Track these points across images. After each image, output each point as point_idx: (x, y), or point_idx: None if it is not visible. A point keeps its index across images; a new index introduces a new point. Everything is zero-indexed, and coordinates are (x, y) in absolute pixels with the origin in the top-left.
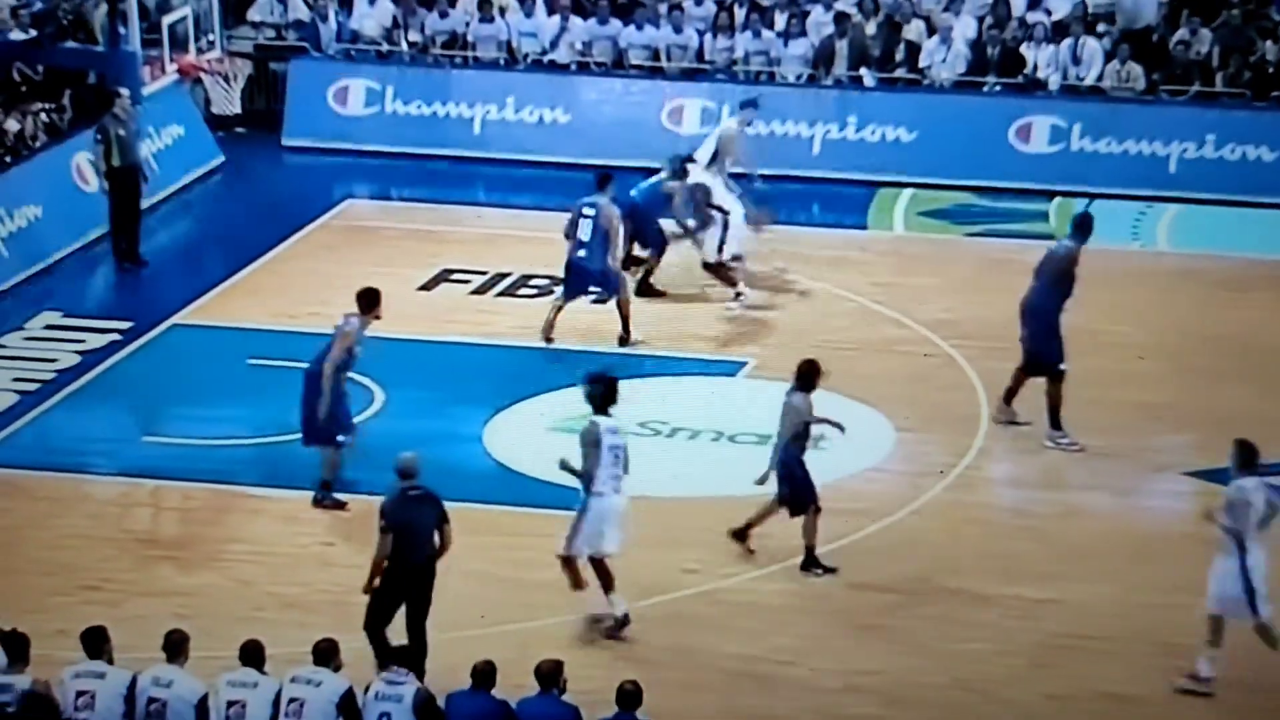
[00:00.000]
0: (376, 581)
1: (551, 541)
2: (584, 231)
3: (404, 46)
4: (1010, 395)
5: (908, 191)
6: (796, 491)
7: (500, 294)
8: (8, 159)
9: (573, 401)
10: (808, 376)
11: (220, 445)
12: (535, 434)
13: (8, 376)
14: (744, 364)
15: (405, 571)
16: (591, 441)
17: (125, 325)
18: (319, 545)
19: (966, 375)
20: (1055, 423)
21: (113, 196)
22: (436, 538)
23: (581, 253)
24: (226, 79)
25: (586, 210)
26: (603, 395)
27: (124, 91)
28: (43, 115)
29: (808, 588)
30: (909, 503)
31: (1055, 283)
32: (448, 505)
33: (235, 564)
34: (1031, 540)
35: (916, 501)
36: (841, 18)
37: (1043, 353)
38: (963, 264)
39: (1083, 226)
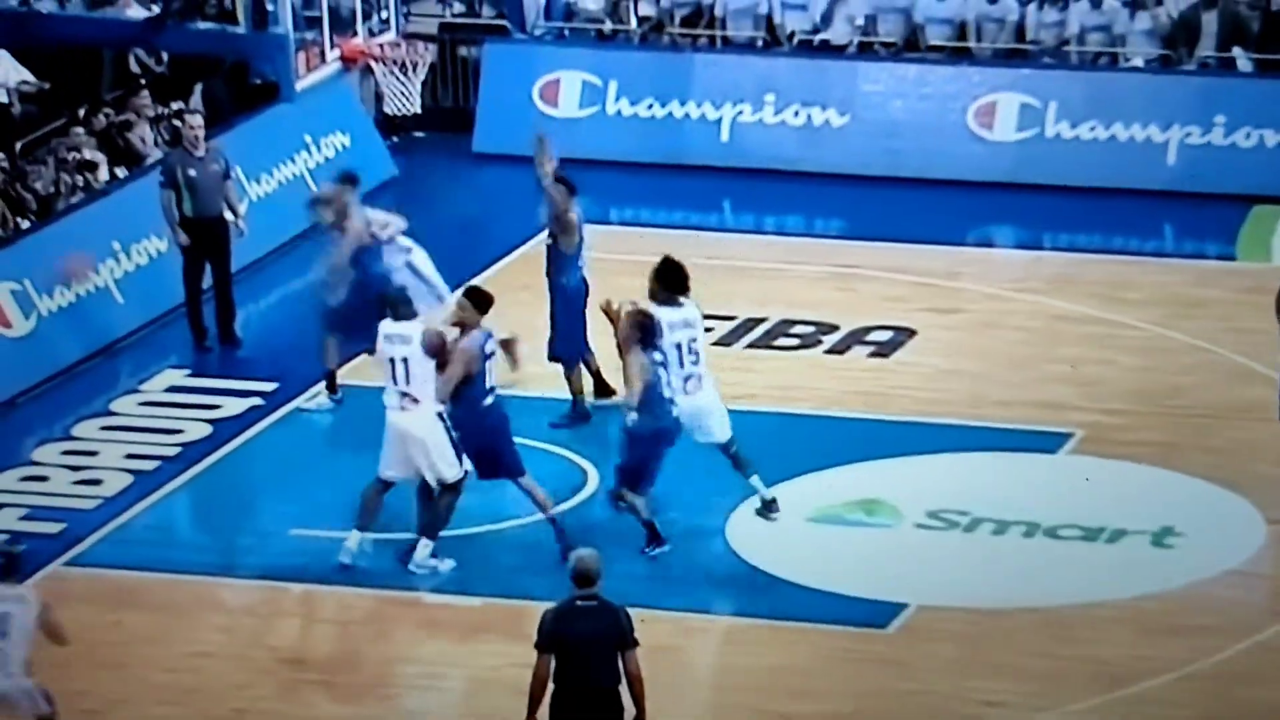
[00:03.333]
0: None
1: (819, 662)
2: None
3: (633, 25)
4: None
5: None
6: None
7: (751, 345)
8: (120, 173)
9: (843, 485)
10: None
11: (388, 539)
12: (792, 527)
13: (119, 452)
14: (1068, 436)
15: (574, 700)
16: None
17: (269, 387)
18: (510, 667)
19: None
20: None
21: (187, 258)
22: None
23: None
24: (404, 69)
25: None
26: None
27: (195, 119)
28: (166, 117)
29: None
30: None
31: None
32: (680, 616)
33: (405, 691)
34: None
35: None
36: None
37: None
38: None
39: None
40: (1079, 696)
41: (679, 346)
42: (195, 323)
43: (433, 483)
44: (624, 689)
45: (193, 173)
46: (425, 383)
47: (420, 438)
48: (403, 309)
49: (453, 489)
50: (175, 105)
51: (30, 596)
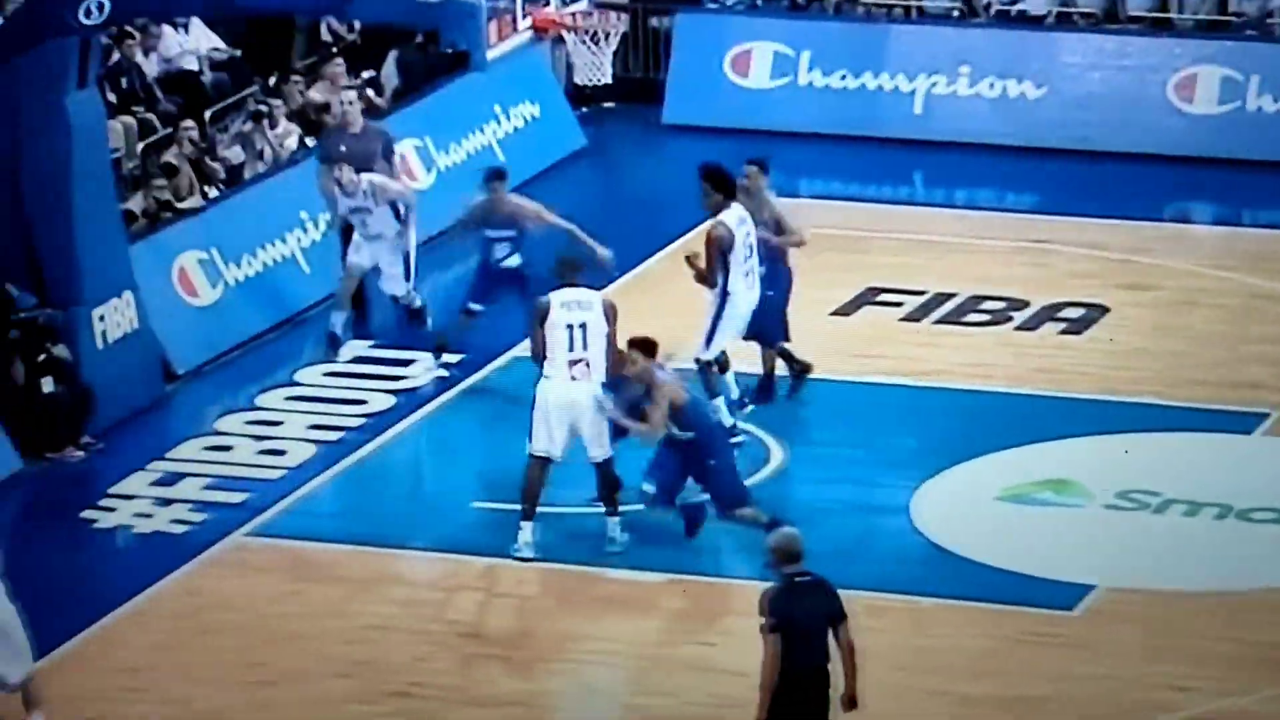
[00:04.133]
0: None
1: (1002, 644)
2: None
3: None
4: None
5: None
6: None
7: (940, 321)
8: (308, 143)
9: (1032, 463)
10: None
11: (570, 513)
12: (979, 505)
13: (303, 423)
14: (1264, 417)
15: (797, 680)
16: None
17: (455, 358)
18: (694, 645)
19: None
20: None
21: (342, 234)
22: (831, 640)
23: None
24: (594, 38)
25: None
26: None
27: (350, 95)
28: (361, 88)
29: None
30: None
31: None
32: (863, 596)
33: (583, 666)
34: None
35: None
36: None
37: None
38: None
39: None
40: (1270, 684)
41: (570, 327)
42: (357, 301)
43: (593, 455)
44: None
45: (344, 149)
46: (600, 351)
47: (586, 408)
48: (573, 274)
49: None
50: (366, 74)
51: None
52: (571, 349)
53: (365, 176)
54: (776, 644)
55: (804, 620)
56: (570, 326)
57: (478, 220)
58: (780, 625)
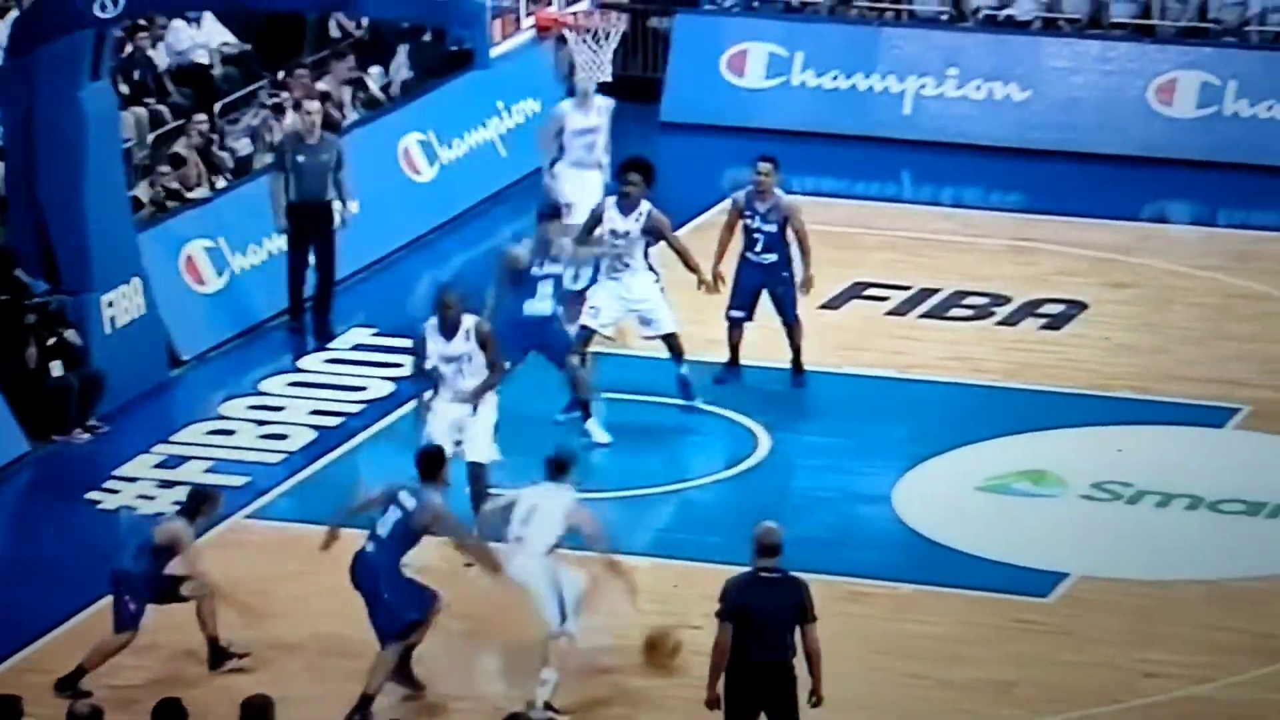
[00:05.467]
0: (719, 688)
1: (979, 630)
2: None
3: None
4: None
5: None
6: None
7: (925, 315)
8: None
9: (1011, 455)
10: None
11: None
12: (959, 495)
13: (304, 409)
14: (1235, 411)
15: (749, 672)
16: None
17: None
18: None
19: None
20: None
21: (290, 241)
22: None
23: None
24: (595, 37)
25: None
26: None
27: (314, 105)
28: (365, 82)
29: None
30: None
31: None
32: (842, 581)
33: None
34: None
35: None
36: None
37: None
38: None
39: None
40: (1239, 669)
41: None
42: (296, 300)
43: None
44: (797, 662)
45: (301, 158)
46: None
47: None
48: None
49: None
50: (374, 69)
51: None
52: None
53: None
54: (726, 632)
55: (760, 614)
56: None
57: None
58: (731, 614)
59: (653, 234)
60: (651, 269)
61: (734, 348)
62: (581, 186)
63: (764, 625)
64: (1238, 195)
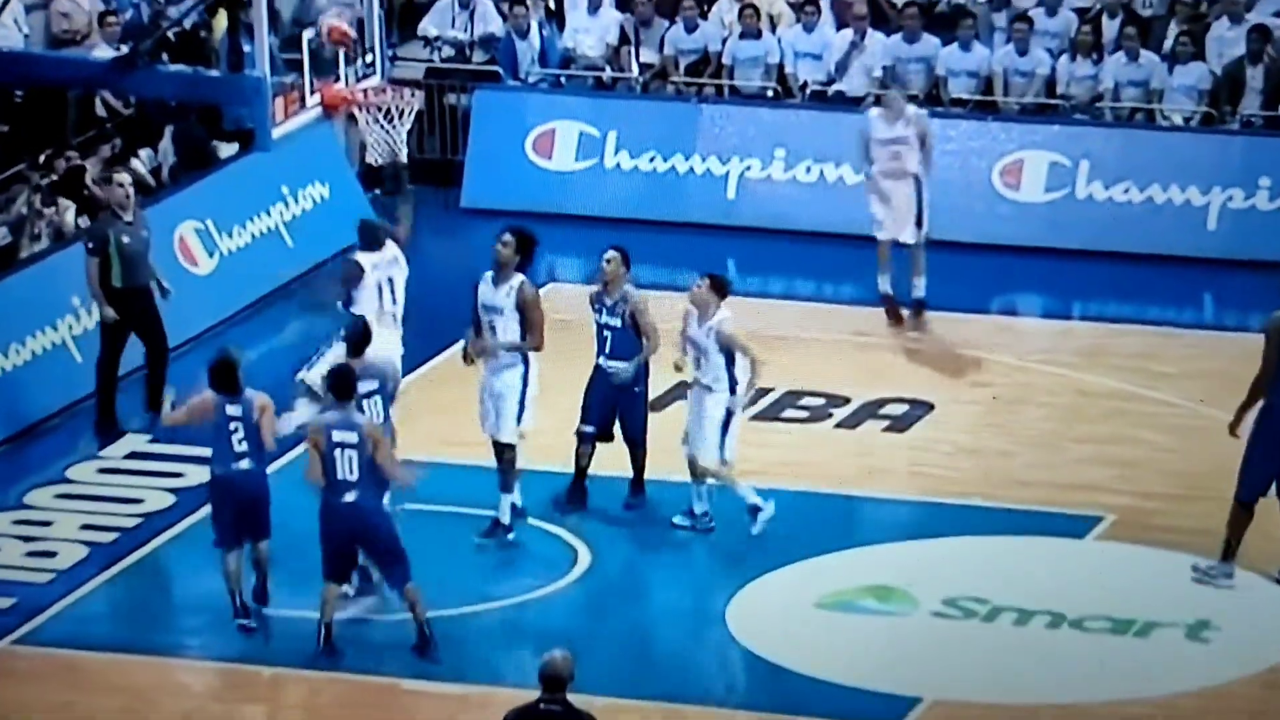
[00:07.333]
0: None
1: None
2: None
3: (634, 72)
4: None
5: None
6: None
7: (756, 418)
8: (81, 224)
9: (854, 569)
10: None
11: (360, 619)
12: (798, 613)
13: (74, 523)
14: (1098, 520)
15: None
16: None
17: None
18: None
19: None
20: None
21: (106, 334)
22: None
23: None
24: (389, 116)
25: None
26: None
27: (124, 178)
28: (135, 165)
29: None
30: None
31: None
32: (673, 707)
33: None
34: None
35: None
36: (1259, 34)
37: None
38: None
39: None
40: None
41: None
42: (107, 410)
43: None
44: None
45: (126, 239)
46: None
47: None
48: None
49: None
50: (144, 152)
51: None
52: None
53: None
54: None
55: None
56: None
57: None
58: None
59: (522, 313)
60: (525, 359)
61: (580, 468)
62: (892, 196)
63: None
64: (1090, 285)
